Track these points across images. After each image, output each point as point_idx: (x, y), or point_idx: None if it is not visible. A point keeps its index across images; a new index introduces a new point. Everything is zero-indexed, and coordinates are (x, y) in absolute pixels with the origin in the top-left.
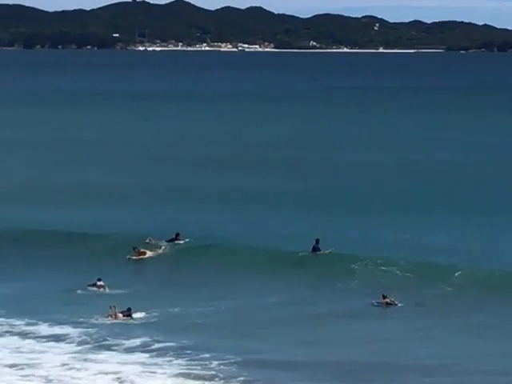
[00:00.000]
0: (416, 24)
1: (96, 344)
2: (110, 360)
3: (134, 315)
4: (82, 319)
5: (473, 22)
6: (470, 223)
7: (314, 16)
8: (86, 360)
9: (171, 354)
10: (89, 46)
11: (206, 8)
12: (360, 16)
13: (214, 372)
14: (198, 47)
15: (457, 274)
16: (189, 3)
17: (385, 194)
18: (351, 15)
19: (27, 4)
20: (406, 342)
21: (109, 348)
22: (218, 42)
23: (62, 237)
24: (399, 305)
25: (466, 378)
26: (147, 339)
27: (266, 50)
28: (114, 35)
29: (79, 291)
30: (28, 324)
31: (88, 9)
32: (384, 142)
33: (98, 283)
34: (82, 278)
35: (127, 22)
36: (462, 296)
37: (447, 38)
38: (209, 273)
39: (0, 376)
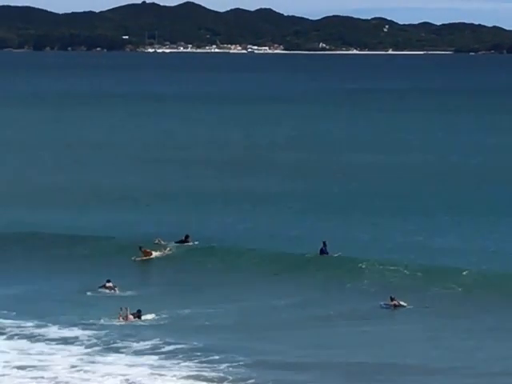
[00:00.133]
0: (425, 26)
1: (105, 346)
2: (119, 362)
3: (144, 317)
4: (91, 321)
5: (482, 23)
6: (478, 225)
7: (324, 18)
8: (94, 362)
9: (180, 356)
10: (98, 48)
11: (215, 10)
12: (369, 18)
13: (223, 374)
14: (207, 49)
15: (466, 276)
16: (198, 5)
17: (393, 196)
18: (361, 17)
19: (37, 6)
20: (414, 344)
21: (118, 350)
22: (227, 43)
23: (70, 238)
24: (407, 306)
25: (475, 379)
26: (157, 341)
27: (276, 51)
28: (124, 37)
29: (89, 293)
30: (37, 326)
31: (97, 11)
32: (392, 143)
33: (108, 284)
34: (90, 280)
35: (137, 23)
36: (471, 297)
37: (456, 39)
38: (217, 274)
39: (9, 378)
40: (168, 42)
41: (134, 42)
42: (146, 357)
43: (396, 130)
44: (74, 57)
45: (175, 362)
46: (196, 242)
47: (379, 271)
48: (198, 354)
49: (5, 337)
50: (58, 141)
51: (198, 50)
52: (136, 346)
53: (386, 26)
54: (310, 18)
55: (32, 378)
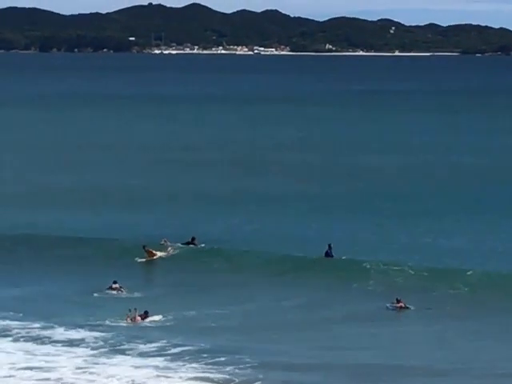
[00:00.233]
0: (432, 27)
1: (111, 347)
2: (125, 364)
3: (151, 318)
4: (97, 322)
5: (489, 25)
6: (484, 225)
7: (330, 19)
8: (101, 363)
9: (187, 357)
10: (105, 50)
11: (221, 11)
12: (376, 19)
13: (229, 376)
14: (213, 50)
15: (471, 277)
16: (205, 6)
17: (398, 197)
18: (367, 18)
19: (43, 7)
20: (420, 345)
21: (124, 352)
22: (233, 45)
23: (76, 240)
24: (412, 308)
25: (480, 381)
26: (163, 342)
27: (282, 53)
28: (130, 38)
29: (95, 294)
30: (44, 327)
31: (104, 12)
32: (398, 145)
33: (114, 286)
34: (97, 281)
35: (143, 25)
36: (476, 299)
37: (463, 41)
38: (223, 276)
39: (15, 379)
40: (174, 44)
41: (141, 43)
42: (152, 358)
43: (402, 132)
44: (81, 58)
45: (181, 363)
46: (202, 245)
47: (385, 272)
48: (205, 355)
49: (11, 338)
50: (64, 142)
51: (205, 52)
52: (142, 347)
53: (393, 28)
54: (317, 20)
55: (38, 379)
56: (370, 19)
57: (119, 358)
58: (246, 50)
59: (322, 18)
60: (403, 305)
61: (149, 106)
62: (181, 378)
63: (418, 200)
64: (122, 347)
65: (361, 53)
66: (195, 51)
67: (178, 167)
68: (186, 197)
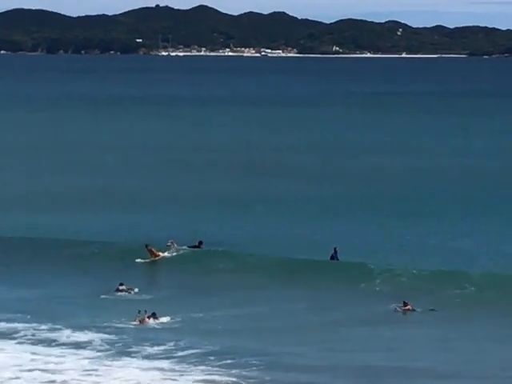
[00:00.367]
0: (439, 29)
1: (118, 350)
2: (131, 366)
3: (159, 320)
4: (104, 324)
5: (496, 26)
6: (491, 227)
7: (337, 21)
8: (107, 365)
9: (193, 359)
10: (112, 52)
11: (229, 13)
12: (383, 21)
13: (236, 378)
14: (221, 52)
15: (478, 279)
16: (212, 8)
17: (405, 199)
18: (374, 20)
19: (50, 9)
20: (425, 348)
21: (131, 354)
22: (241, 47)
23: (82, 242)
24: (419, 310)
25: (486, 383)
26: (170, 344)
27: (289, 55)
28: (137, 40)
29: (103, 296)
30: (50, 329)
31: (111, 14)
32: (405, 146)
33: (121, 287)
34: (103, 283)
35: (150, 27)
36: (483, 301)
37: (470, 42)
38: (228, 278)
39: (21, 381)
40: (181, 46)
41: (148, 45)
42: (158, 361)
43: (409, 133)
44: (88, 60)
45: (188, 366)
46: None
47: (391, 274)
48: (211, 357)
49: (17, 340)
50: (70, 144)
51: (212, 54)
52: (149, 349)
53: (400, 30)
54: (324, 22)
55: (44, 381)
56: (377, 21)
57: (125, 361)
58: (253, 51)
59: (329, 20)
60: (410, 307)
61: (155, 107)
62: (187, 380)
63: (425, 202)
64: (129, 349)
65: (368, 55)
66: (202, 53)
67: (185, 169)
68: (192, 199)
